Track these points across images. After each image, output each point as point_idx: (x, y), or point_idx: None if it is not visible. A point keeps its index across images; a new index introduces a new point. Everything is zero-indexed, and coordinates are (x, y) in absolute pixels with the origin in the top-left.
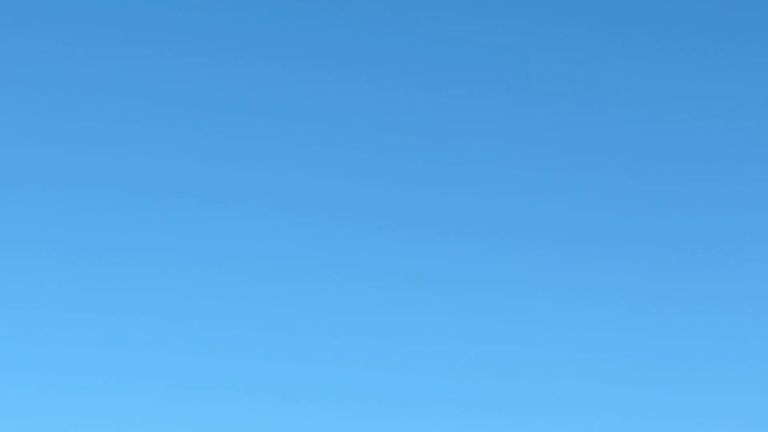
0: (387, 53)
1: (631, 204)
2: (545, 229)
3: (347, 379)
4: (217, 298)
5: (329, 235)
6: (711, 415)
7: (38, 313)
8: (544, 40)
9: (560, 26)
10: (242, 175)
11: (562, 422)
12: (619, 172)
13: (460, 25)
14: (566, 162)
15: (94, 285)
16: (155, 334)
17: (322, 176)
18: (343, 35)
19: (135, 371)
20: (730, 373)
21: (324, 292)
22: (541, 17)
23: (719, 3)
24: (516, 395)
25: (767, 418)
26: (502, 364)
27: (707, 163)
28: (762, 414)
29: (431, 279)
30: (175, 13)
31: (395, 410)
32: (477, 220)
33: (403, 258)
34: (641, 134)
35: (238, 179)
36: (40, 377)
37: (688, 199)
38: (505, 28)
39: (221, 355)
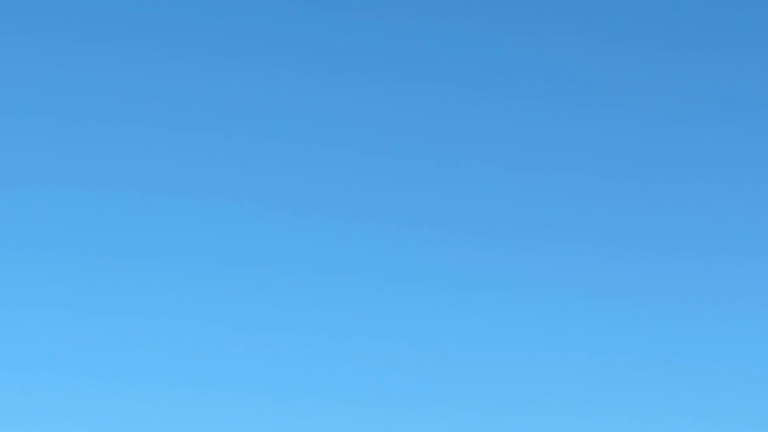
0: (387, 53)
1: (631, 204)
2: (545, 229)
3: (347, 379)
4: (217, 298)
5: (329, 235)
6: (710, 414)
7: (38, 313)
8: (543, 40)
9: (560, 26)
10: (243, 175)
11: (562, 422)
12: (619, 172)
13: (460, 24)
14: (566, 162)
15: (94, 285)
16: (155, 334)
17: (322, 176)
18: (343, 35)
19: (135, 371)
20: (730, 373)
21: (324, 292)
22: (541, 17)
23: (719, 3)
24: (516, 395)
25: (767, 418)
26: (502, 364)
27: (707, 163)
28: (762, 414)
29: (431, 279)
30: (175, 13)
31: (395, 410)
32: (477, 220)
33: (403, 258)
34: (641, 134)
35: (238, 179)
36: (40, 377)
37: (688, 199)
38: (504, 28)
39: (221, 355)
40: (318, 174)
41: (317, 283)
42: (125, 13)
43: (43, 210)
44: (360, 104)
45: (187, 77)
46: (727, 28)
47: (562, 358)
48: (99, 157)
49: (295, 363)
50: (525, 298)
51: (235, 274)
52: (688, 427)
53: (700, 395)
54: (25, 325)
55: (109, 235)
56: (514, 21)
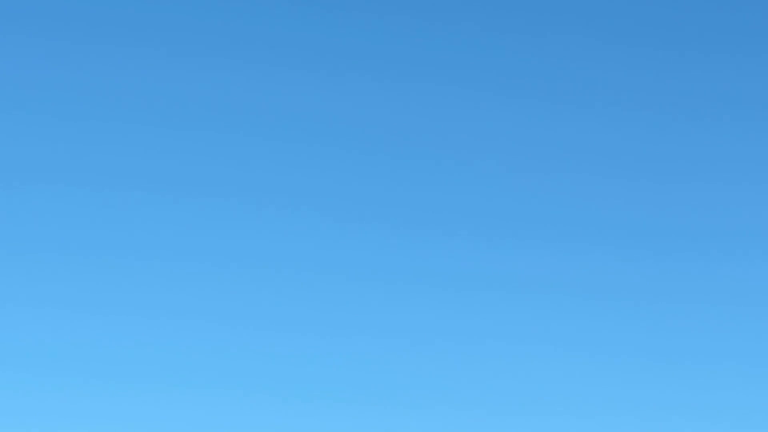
0: (387, 53)
1: (631, 204)
2: (545, 229)
3: (347, 379)
4: (217, 298)
5: (329, 235)
6: (710, 414)
7: (38, 313)
8: (543, 40)
9: (560, 26)
10: (243, 175)
11: (562, 422)
12: (619, 172)
13: (460, 24)
14: (567, 162)
15: (94, 285)
16: (155, 334)
17: (322, 176)
18: (343, 35)
19: (135, 371)
20: (730, 373)
21: (324, 292)
22: (541, 17)
23: (719, 3)
24: (515, 395)
25: (767, 418)
26: (502, 363)
27: (707, 163)
28: (762, 414)
29: (431, 279)
30: (175, 13)
31: (395, 410)
32: (477, 220)
33: (403, 258)
34: (641, 134)
35: (238, 179)
36: (40, 377)
37: (688, 199)
38: (504, 28)
39: (221, 355)
40: (318, 174)
41: (317, 283)
42: (125, 13)
43: (43, 210)
44: (360, 104)
45: (187, 77)
46: (727, 28)
47: (562, 358)
48: (99, 157)
49: (295, 363)
50: (525, 298)
51: (235, 274)
52: (688, 427)
53: (700, 395)
54: (25, 325)
55: (109, 235)
56: (514, 21)
